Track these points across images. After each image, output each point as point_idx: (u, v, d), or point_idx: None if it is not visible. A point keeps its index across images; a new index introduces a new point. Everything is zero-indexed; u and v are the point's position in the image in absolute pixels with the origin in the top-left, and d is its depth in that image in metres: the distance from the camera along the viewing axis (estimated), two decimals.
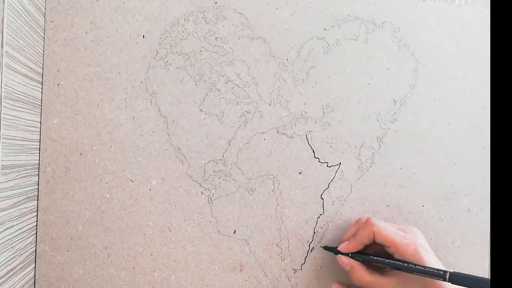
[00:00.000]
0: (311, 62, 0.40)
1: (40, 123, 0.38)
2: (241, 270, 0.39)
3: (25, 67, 0.34)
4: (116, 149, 0.38)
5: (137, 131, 0.38)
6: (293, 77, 0.40)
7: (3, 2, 0.30)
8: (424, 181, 0.41)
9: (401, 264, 0.33)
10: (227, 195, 0.39)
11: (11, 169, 0.32)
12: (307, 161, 0.40)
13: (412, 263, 0.33)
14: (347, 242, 0.36)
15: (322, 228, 0.40)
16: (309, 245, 0.40)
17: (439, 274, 0.31)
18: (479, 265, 0.41)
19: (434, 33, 0.41)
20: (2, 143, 0.31)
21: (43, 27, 0.38)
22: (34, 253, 0.37)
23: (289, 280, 0.40)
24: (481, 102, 0.41)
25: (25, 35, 0.34)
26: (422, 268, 0.32)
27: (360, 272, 0.35)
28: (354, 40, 0.40)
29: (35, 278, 0.37)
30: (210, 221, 0.39)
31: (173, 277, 0.39)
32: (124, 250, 0.38)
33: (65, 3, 0.38)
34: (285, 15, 0.40)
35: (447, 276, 0.31)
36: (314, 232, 0.40)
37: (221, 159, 0.39)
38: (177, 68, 0.39)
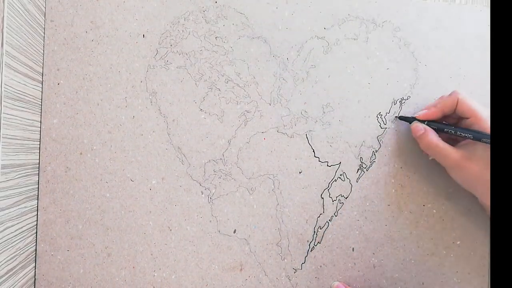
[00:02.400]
0: (311, 61, 0.40)
1: (40, 122, 0.38)
2: (241, 270, 0.39)
3: (25, 67, 0.34)
4: (116, 149, 0.38)
5: (137, 131, 0.38)
6: (293, 77, 0.40)
7: (3, 2, 0.30)
8: (424, 181, 0.41)
9: (477, 133, 0.33)
10: (227, 194, 0.39)
11: (11, 168, 0.32)
12: (307, 160, 0.40)
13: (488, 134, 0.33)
14: (426, 110, 0.37)
15: (322, 227, 0.40)
16: (309, 245, 0.40)
17: None
18: (480, 264, 0.41)
19: (434, 32, 0.41)
20: (2, 142, 0.31)
21: (43, 26, 0.38)
22: (34, 252, 0.37)
23: (289, 280, 0.40)
24: (481, 102, 0.41)
25: (25, 34, 0.34)
26: (479, 132, 0.32)
27: (431, 136, 0.36)
28: (354, 39, 0.40)
29: (35, 277, 0.37)
30: (210, 221, 0.39)
31: (173, 277, 0.39)
32: (124, 250, 0.38)
33: (65, 3, 0.38)
34: (285, 15, 0.40)
35: None
36: (314, 232, 0.40)
37: (221, 159, 0.39)
38: (177, 67, 0.39)
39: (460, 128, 0.35)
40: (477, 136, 0.34)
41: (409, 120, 0.39)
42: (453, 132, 0.35)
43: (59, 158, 0.38)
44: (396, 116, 0.40)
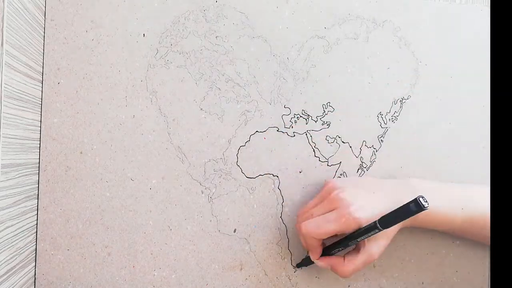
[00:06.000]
0: (311, 61, 0.40)
1: (40, 121, 0.38)
2: (241, 269, 0.39)
3: (25, 66, 0.34)
4: (116, 148, 0.38)
5: (138, 130, 0.38)
6: (294, 76, 0.40)
7: (3, 1, 0.30)
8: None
9: (348, 240, 0.34)
10: (227, 194, 0.39)
11: (11, 168, 0.32)
12: (307, 160, 0.40)
13: (349, 235, 0.33)
14: (310, 252, 0.36)
15: None
16: None
17: (371, 229, 0.31)
18: (480, 264, 0.41)
19: (434, 32, 0.41)
20: (2, 142, 0.30)
21: (43, 25, 0.38)
22: (34, 251, 0.37)
23: (289, 279, 0.40)
24: (481, 101, 0.41)
25: (25, 33, 0.34)
26: (356, 234, 0.33)
27: (341, 265, 0.34)
28: (354, 39, 0.40)
29: (35, 276, 0.37)
30: (210, 220, 0.39)
31: (173, 276, 0.39)
32: (124, 249, 0.38)
33: (66, 2, 0.38)
34: (286, 14, 0.40)
35: (378, 225, 0.31)
36: None
37: (221, 158, 0.39)
38: (177, 66, 0.39)
39: (342, 242, 0.35)
40: (345, 243, 0.34)
41: (306, 263, 0.38)
42: (342, 248, 0.35)
43: (59, 157, 0.38)
44: (294, 266, 0.40)
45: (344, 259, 0.35)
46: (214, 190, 0.39)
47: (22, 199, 0.35)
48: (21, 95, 0.33)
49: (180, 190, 0.39)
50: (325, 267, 0.36)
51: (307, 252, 0.37)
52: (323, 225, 0.33)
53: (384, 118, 0.40)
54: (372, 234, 0.32)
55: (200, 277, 0.39)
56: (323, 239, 0.35)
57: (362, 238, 0.33)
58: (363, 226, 0.32)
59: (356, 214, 0.32)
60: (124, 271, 0.38)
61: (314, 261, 0.36)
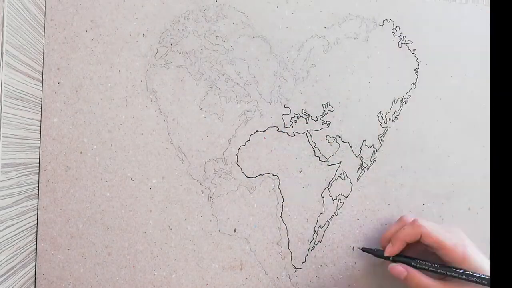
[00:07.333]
0: (311, 60, 0.40)
1: (40, 121, 0.38)
2: (241, 269, 0.39)
3: (25, 66, 0.34)
4: (116, 148, 0.38)
5: (138, 130, 0.38)
6: (294, 76, 0.40)
7: (3, 1, 0.30)
8: (424, 180, 0.41)
9: (447, 269, 0.33)
10: (227, 193, 0.39)
11: (11, 167, 0.32)
12: (307, 159, 0.40)
13: (457, 269, 0.32)
14: (390, 244, 0.35)
15: (322, 226, 0.40)
16: (310, 244, 0.40)
17: (482, 282, 0.31)
18: None
19: (435, 31, 0.41)
20: (2, 141, 0.30)
21: (43, 25, 0.38)
22: (35, 251, 0.37)
23: (290, 279, 0.40)
24: (482, 101, 0.41)
25: (25, 33, 0.34)
26: (465, 276, 0.32)
27: (419, 277, 0.33)
28: (354, 38, 0.40)
29: (36, 276, 0.37)
30: (211, 220, 0.39)
31: (173, 276, 0.39)
32: (124, 249, 0.38)
33: (65, 2, 0.38)
34: (286, 14, 0.40)
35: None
36: (315, 231, 0.40)
37: (221, 158, 0.39)
38: (177, 66, 0.39)
39: (432, 264, 0.34)
40: (449, 273, 0.33)
41: (375, 253, 0.37)
42: (425, 267, 0.34)
43: (59, 157, 0.38)
44: (359, 248, 0.39)
45: (423, 274, 0.34)
46: (214, 190, 0.39)
47: (22, 199, 0.35)
48: (21, 95, 0.33)
49: (180, 190, 0.39)
50: (400, 272, 0.34)
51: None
52: (442, 232, 0.34)
53: (384, 118, 0.40)
54: (473, 283, 0.31)
55: (200, 277, 0.39)
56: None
57: (463, 277, 0.32)
58: (472, 265, 0.32)
59: (472, 253, 0.32)
60: (124, 270, 0.38)
61: (392, 265, 0.35)
